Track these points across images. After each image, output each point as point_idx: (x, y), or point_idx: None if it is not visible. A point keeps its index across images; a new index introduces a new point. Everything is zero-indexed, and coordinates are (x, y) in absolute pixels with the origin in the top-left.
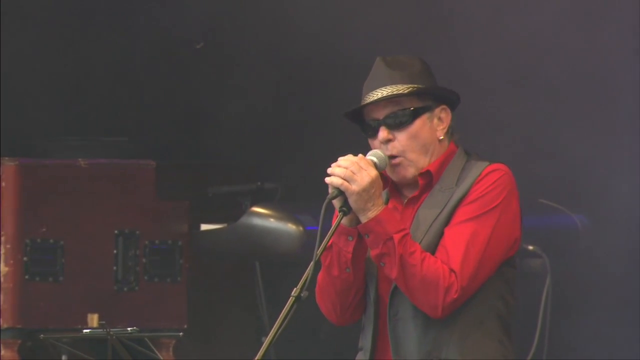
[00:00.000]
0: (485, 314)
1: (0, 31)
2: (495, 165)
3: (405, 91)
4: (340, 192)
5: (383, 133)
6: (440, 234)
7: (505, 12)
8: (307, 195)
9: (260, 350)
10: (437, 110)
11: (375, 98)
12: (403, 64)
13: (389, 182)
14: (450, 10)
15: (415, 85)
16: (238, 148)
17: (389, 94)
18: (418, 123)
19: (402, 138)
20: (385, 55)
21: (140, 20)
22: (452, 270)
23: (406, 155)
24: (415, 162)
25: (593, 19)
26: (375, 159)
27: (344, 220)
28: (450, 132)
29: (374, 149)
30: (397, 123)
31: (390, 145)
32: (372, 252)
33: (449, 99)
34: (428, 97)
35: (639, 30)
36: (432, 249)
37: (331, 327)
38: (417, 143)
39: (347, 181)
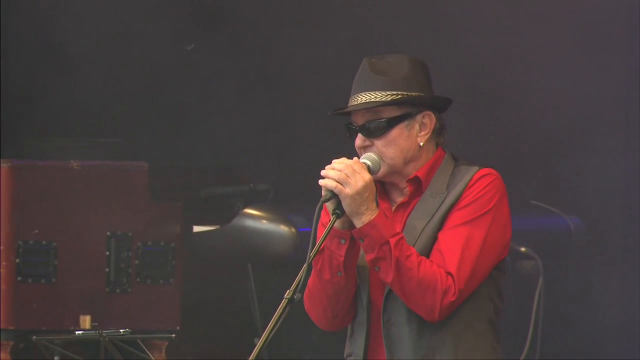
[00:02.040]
0: (477, 317)
1: (0, 32)
2: (485, 170)
3: (385, 98)
4: (334, 195)
5: (358, 140)
6: (433, 239)
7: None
8: (299, 197)
9: (253, 352)
10: (418, 117)
11: (353, 104)
12: (387, 69)
13: (377, 187)
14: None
15: (394, 93)
16: (230, 149)
17: (365, 101)
18: (394, 132)
19: (378, 144)
20: (373, 55)
21: (136, 21)
22: (448, 273)
23: (383, 158)
24: (392, 165)
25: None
26: (369, 163)
27: (337, 224)
28: (435, 136)
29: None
30: (373, 131)
31: (368, 149)
32: (367, 257)
33: (435, 104)
34: (408, 104)
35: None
36: (425, 253)
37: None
38: (393, 149)
39: (341, 184)
